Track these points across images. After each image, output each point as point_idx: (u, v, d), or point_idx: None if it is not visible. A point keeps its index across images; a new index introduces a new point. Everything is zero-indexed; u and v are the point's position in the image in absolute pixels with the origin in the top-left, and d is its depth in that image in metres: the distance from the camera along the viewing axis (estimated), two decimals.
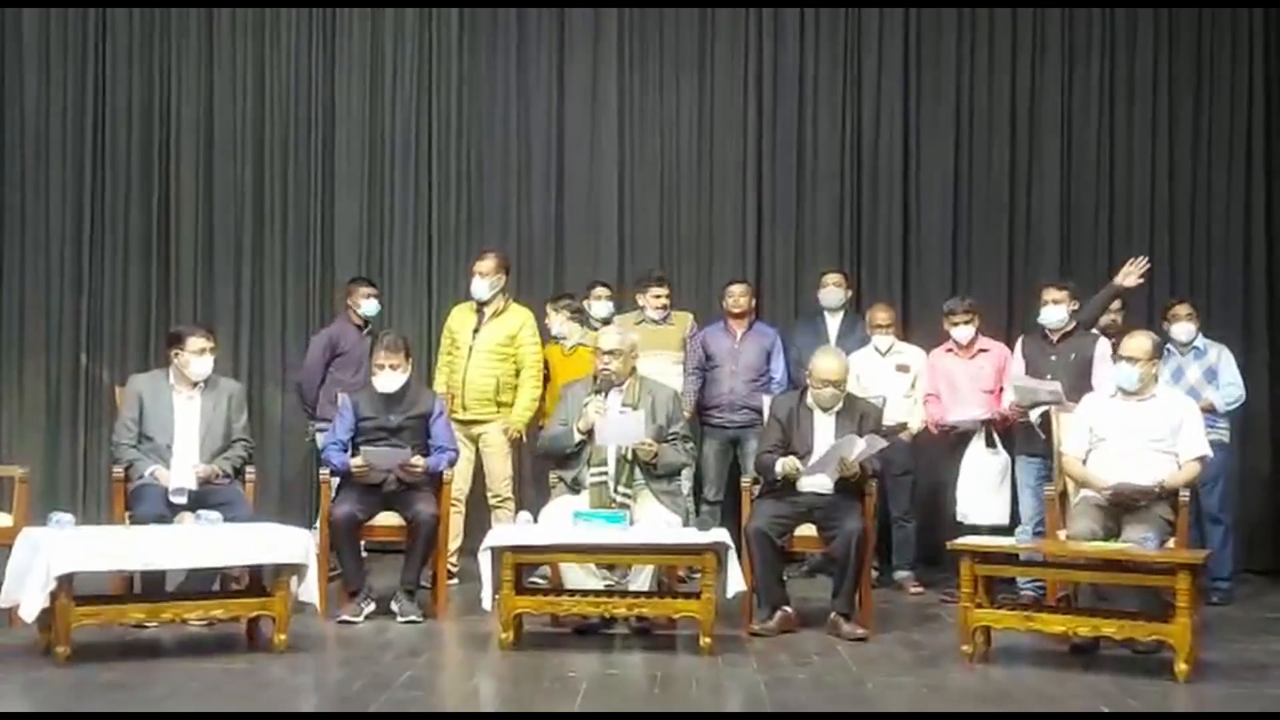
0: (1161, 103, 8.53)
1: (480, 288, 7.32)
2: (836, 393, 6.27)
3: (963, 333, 7.15)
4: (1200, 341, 7.13)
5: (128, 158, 8.59)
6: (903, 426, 7.21)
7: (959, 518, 6.86)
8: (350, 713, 4.72)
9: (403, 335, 6.98)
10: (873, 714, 4.80)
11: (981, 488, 6.87)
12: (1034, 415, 6.62)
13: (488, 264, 7.35)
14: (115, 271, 8.56)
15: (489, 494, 7.28)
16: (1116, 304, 7.28)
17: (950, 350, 7.22)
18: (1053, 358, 6.84)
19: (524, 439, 7.43)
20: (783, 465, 6.18)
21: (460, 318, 7.43)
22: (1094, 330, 7.00)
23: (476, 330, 7.30)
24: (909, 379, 7.34)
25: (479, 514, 7.27)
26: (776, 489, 6.25)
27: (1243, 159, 8.48)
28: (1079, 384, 6.65)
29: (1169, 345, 7.07)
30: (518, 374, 7.31)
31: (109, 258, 8.56)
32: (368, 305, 7.57)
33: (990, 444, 6.94)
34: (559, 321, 7.49)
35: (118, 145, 8.59)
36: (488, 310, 7.33)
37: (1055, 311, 6.85)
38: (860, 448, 6.05)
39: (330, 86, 8.63)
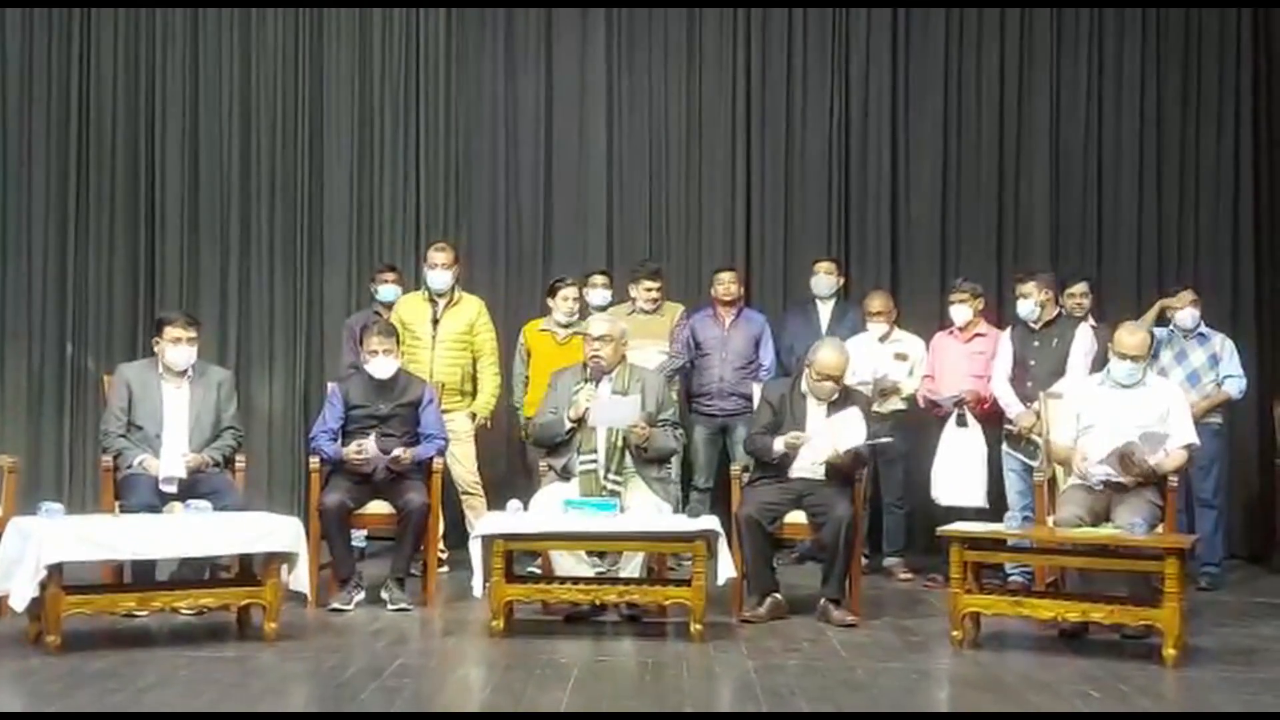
0: (1149, 95, 8.58)
1: (443, 279, 7.29)
2: (836, 386, 6.29)
3: (957, 312, 7.19)
4: (1204, 328, 7.26)
5: (113, 148, 8.53)
6: (896, 387, 7.24)
7: (933, 497, 6.91)
8: (344, 713, 4.70)
9: (391, 323, 6.98)
10: (858, 714, 4.78)
11: (953, 467, 6.89)
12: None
13: (448, 255, 7.33)
14: (100, 260, 8.51)
15: (458, 485, 7.26)
16: (1082, 287, 7.32)
17: (951, 333, 7.26)
18: (1035, 344, 6.89)
19: (489, 426, 7.43)
20: (784, 441, 6.19)
21: (412, 309, 7.36)
22: (1082, 318, 7.08)
23: (436, 321, 7.28)
24: (906, 367, 7.36)
25: (453, 503, 7.27)
26: (768, 475, 6.27)
27: (1230, 153, 8.54)
28: (1063, 371, 6.71)
29: (1172, 328, 7.18)
30: (474, 363, 7.33)
31: (94, 247, 8.51)
32: (385, 290, 7.62)
33: (961, 423, 6.97)
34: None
35: (103, 136, 8.53)
36: (443, 301, 7.32)
37: (1025, 305, 6.90)
38: (861, 431, 6.07)
39: (318, 81, 8.59)
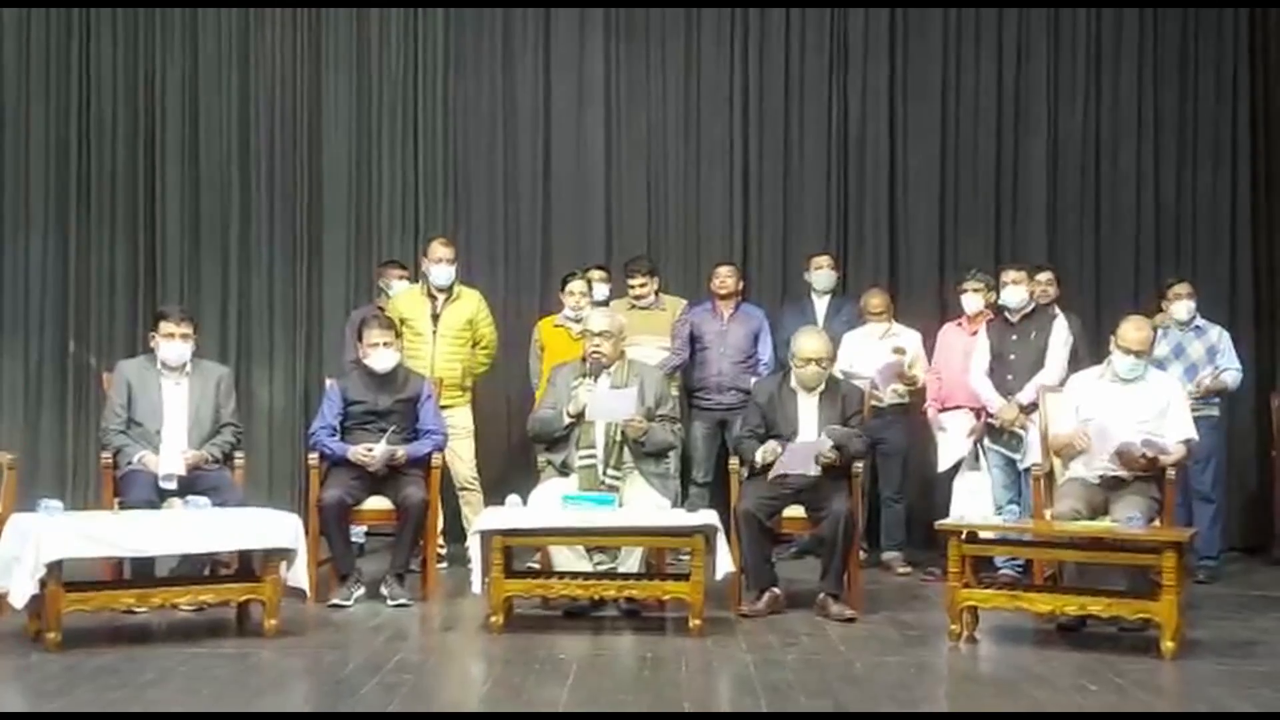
0: (1146, 93, 8.59)
1: (447, 273, 7.29)
2: (820, 371, 6.30)
3: (969, 302, 7.15)
4: (1200, 321, 7.25)
5: (113, 148, 8.52)
6: (911, 376, 7.25)
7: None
8: (344, 712, 4.71)
9: (390, 316, 6.98)
10: (858, 714, 4.78)
11: (966, 508, 6.81)
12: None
13: (450, 250, 7.33)
14: (101, 258, 8.51)
15: (455, 481, 7.27)
16: (1047, 275, 7.29)
17: (959, 324, 7.24)
18: (1014, 337, 6.87)
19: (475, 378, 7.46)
20: (761, 454, 6.21)
21: (411, 304, 7.34)
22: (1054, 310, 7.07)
23: (436, 316, 7.27)
24: (905, 360, 7.35)
25: (453, 499, 7.29)
26: (761, 472, 6.27)
27: (1228, 149, 8.54)
28: (1042, 363, 6.70)
29: (1167, 321, 7.17)
30: (474, 347, 7.36)
31: (94, 245, 8.50)
32: (398, 286, 7.63)
33: (974, 466, 6.94)
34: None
35: (103, 135, 8.52)
36: (443, 296, 7.31)
37: (1015, 293, 6.87)
38: (827, 444, 6.08)
39: (317, 81, 8.59)
